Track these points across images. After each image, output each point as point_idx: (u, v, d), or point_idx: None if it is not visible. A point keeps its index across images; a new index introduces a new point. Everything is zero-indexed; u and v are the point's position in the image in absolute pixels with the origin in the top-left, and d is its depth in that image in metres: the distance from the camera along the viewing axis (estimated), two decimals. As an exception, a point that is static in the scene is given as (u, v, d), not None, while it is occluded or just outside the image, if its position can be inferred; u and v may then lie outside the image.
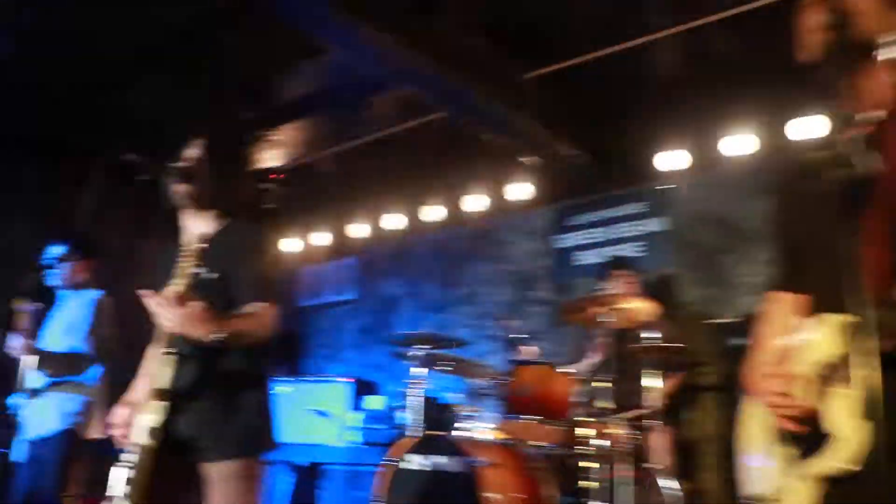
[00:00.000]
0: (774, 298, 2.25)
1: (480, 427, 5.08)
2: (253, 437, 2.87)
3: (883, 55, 1.58)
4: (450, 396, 5.75)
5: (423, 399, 5.15)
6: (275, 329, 2.81)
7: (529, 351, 5.38)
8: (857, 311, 1.60)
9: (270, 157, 8.24)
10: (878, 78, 1.91)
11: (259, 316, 2.79)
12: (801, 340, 2.01)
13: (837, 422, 1.78)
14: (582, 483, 4.71)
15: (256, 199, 7.62)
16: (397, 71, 5.83)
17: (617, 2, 5.70)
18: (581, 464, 4.81)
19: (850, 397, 1.77)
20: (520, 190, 7.72)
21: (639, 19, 5.91)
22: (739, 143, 6.36)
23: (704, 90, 6.18)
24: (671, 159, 6.84)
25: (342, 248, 9.33)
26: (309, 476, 7.15)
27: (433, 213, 8.41)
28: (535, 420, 4.98)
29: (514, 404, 5.00)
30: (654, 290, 6.32)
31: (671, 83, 6.51)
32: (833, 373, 1.83)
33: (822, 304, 2.00)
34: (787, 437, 1.95)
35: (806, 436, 1.83)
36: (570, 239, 7.74)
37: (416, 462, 4.67)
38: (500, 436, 4.98)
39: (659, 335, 4.96)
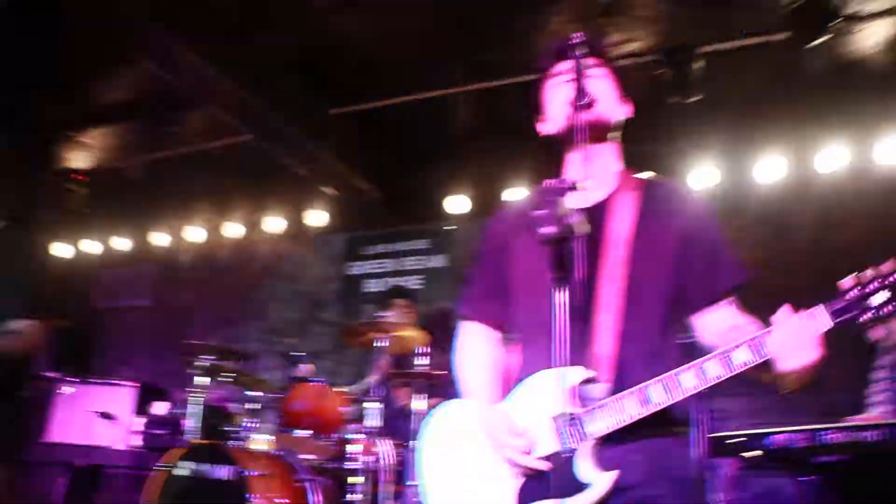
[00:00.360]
0: (470, 329, 2.36)
1: (255, 438, 5.27)
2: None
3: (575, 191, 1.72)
4: (231, 406, 5.90)
5: (203, 407, 5.26)
6: (40, 345, 2.82)
7: (308, 368, 5.62)
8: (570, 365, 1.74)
9: (78, 158, 8.12)
10: (606, 159, 2.20)
11: (22, 333, 2.75)
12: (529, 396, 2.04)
13: (589, 471, 1.86)
14: (348, 497, 4.95)
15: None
16: (206, 90, 5.92)
17: (424, 55, 6.09)
18: (349, 478, 5.05)
19: (592, 446, 1.87)
20: (316, 217, 8.10)
21: (442, 74, 6.38)
22: (517, 194, 6.99)
23: (492, 144, 6.79)
24: (456, 203, 7.48)
25: (142, 254, 9.29)
26: (87, 478, 7.05)
27: (234, 229, 8.64)
28: (307, 434, 5.18)
29: (289, 418, 5.18)
30: (432, 321, 6.88)
31: (464, 135, 7.13)
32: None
33: (534, 356, 2.09)
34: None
35: (560, 481, 1.82)
36: (360, 267, 8.20)
37: (187, 468, 4.72)
38: (273, 447, 5.17)
39: (427, 363, 5.33)
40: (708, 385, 1.81)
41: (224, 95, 5.94)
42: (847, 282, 1.74)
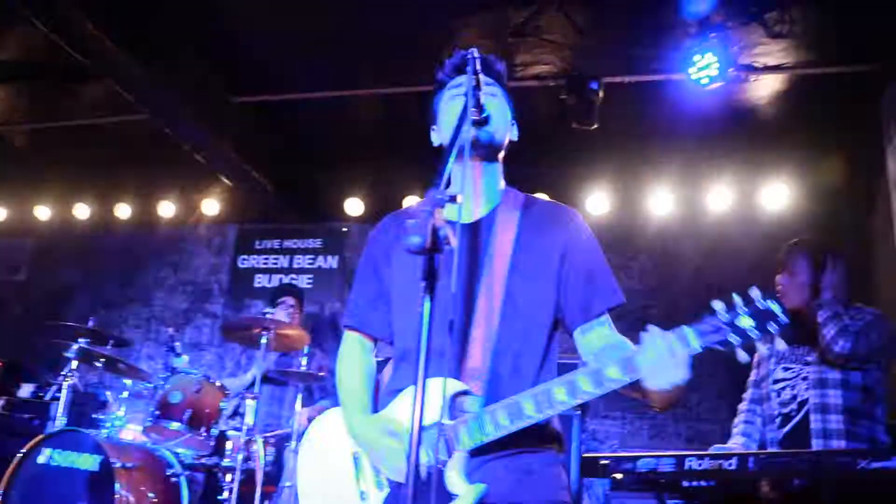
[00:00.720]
0: (350, 338, 2.35)
1: (127, 428, 5.15)
2: None
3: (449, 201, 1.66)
4: (106, 394, 5.71)
5: (72, 393, 5.07)
6: None
7: (186, 360, 5.49)
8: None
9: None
10: (492, 175, 2.22)
11: None
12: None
13: (458, 483, 1.87)
14: (223, 493, 4.87)
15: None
16: (103, 62, 5.61)
17: (333, 54, 6.02)
18: (223, 475, 5.01)
19: (462, 459, 1.90)
20: (210, 205, 7.92)
21: (350, 75, 6.33)
22: (413, 201, 7.00)
23: (393, 150, 6.80)
24: (352, 205, 7.48)
25: (22, 226, 8.85)
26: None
27: (123, 210, 8.34)
28: (182, 427, 4.99)
29: (164, 409, 5.01)
30: (320, 324, 6.87)
31: (365, 138, 7.13)
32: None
33: (406, 366, 2.11)
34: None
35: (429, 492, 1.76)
36: (250, 260, 8.07)
37: (49, 457, 4.55)
38: (145, 439, 5.04)
39: (306, 364, 5.32)
40: (578, 401, 1.84)
41: (121, 70, 5.69)
42: (716, 305, 1.78)
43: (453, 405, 1.93)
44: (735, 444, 3.93)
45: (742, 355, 1.76)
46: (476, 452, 1.91)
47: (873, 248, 6.19)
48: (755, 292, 1.76)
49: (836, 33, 5.44)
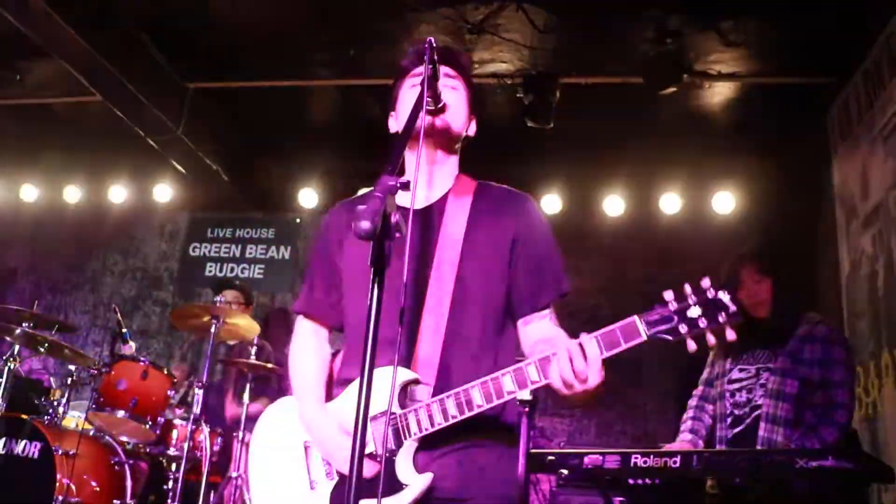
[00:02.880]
0: (303, 326, 2.33)
1: (70, 415, 5.06)
2: None
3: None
4: (47, 379, 5.61)
5: (14, 378, 4.94)
6: None
7: (134, 347, 5.40)
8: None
9: None
10: (446, 165, 2.22)
11: None
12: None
13: (406, 472, 1.88)
14: (168, 483, 4.87)
15: None
16: (56, 42, 5.54)
17: (290, 44, 5.99)
18: (167, 463, 4.99)
19: (411, 450, 1.90)
20: (162, 191, 7.81)
21: (306, 66, 6.31)
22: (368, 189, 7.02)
23: (348, 142, 6.79)
24: (306, 196, 7.44)
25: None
26: None
27: (73, 193, 8.16)
28: (127, 415, 4.88)
29: (109, 397, 4.91)
30: (271, 315, 6.83)
31: (321, 129, 7.11)
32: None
33: (356, 355, 2.04)
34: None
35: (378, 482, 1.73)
36: (202, 249, 7.99)
37: None
38: (89, 426, 4.95)
39: (254, 354, 5.26)
40: (527, 388, 1.84)
41: (74, 51, 5.58)
42: (666, 295, 1.78)
43: (403, 394, 1.92)
44: (682, 440, 4.00)
45: (691, 345, 1.76)
46: (427, 444, 1.91)
47: (817, 255, 6.35)
48: (706, 282, 1.77)
49: (789, 46, 5.57)
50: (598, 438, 6.68)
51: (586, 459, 3.41)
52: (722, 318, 1.74)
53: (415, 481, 1.86)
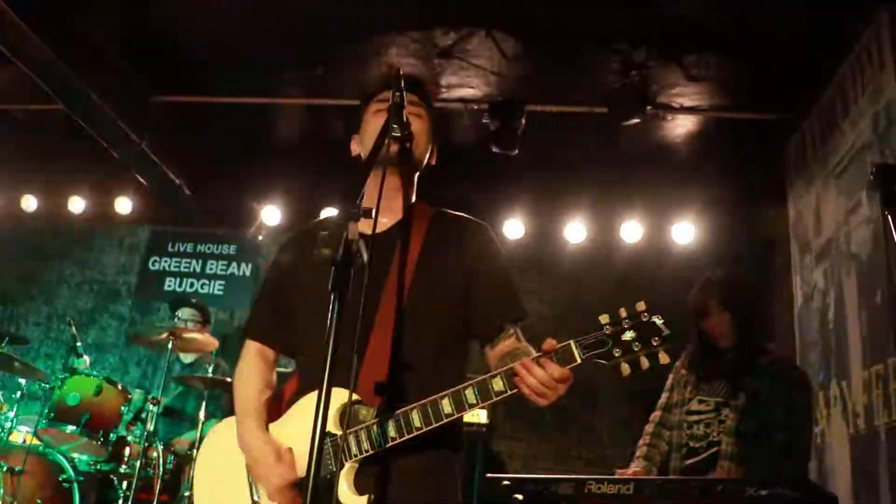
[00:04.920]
0: (250, 348, 2.32)
1: (17, 430, 4.97)
2: None
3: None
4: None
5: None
6: None
7: (88, 361, 5.33)
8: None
9: None
10: (406, 191, 2.23)
11: None
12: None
13: (345, 494, 1.87)
14: (118, 502, 4.77)
15: None
16: (18, 45, 5.37)
17: (258, 61, 5.99)
18: (118, 481, 4.90)
19: (352, 471, 1.92)
20: (122, 203, 7.71)
21: (273, 83, 6.33)
22: (331, 213, 6.99)
23: (313, 161, 6.78)
24: (269, 213, 7.41)
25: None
26: None
27: (29, 202, 8.02)
28: (78, 431, 4.81)
29: (60, 412, 4.83)
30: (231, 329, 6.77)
31: (285, 147, 7.10)
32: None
33: (307, 377, 2.14)
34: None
35: None
36: (161, 263, 7.91)
37: None
38: (37, 442, 4.86)
39: (212, 370, 5.23)
40: (467, 413, 1.86)
41: (38, 58, 5.52)
42: (601, 318, 1.80)
43: (345, 416, 1.92)
44: (636, 467, 4.01)
45: (625, 369, 1.78)
46: (371, 463, 1.92)
47: (772, 287, 6.47)
48: (641, 306, 1.79)
49: (749, 82, 5.71)
50: (554, 464, 6.70)
51: (541, 485, 3.43)
52: (656, 342, 1.76)
53: (355, 503, 1.86)
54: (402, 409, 1.88)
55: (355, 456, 1.90)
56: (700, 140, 6.47)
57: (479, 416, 5.60)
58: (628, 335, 1.76)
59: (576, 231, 7.12)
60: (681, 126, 6.35)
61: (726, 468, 3.62)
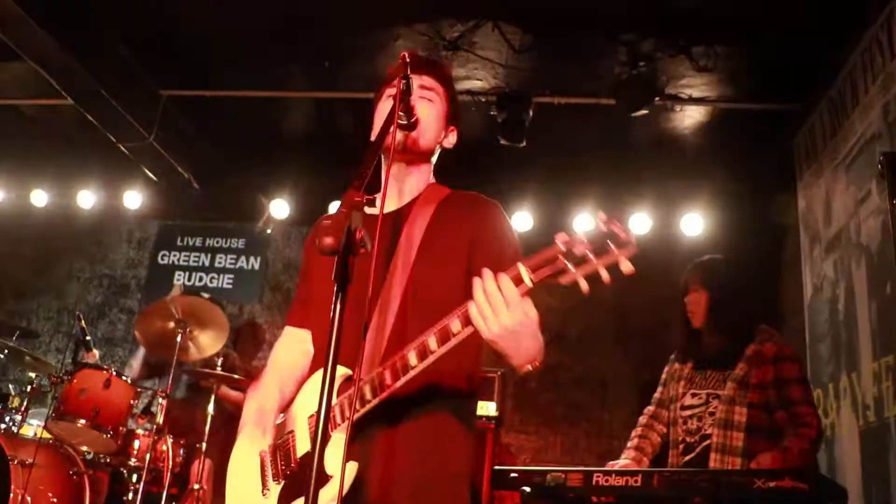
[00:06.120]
0: (286, 332, 2.36)
1: (28, 423, 4.98)
2: None
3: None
4: (9, 387, 5.52)
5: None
6: None
7: (97, 355, 5.34)
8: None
9: None
10: (418, 178, 2.23)
11: None
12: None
13: (332, 464, 1.82)
14: (128, 494, 4.76)
15: None
16: (26, 40, 5.46)
17: (266, 54, 6.00)
18: (128, 474, 4.89)
19: (340, 441, 1.85)
20: (132, 198, 7.73)
21: (281, 77, 6.34)
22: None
23: (322, 154, 6.76)
24: (277, 207, 7.42)
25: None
26: None
27: (39, 197, 8.05)
28: (88, 425, 4.74)
29: (70, 405, 4.78)
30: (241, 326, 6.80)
31: (294, 140, 7.12)
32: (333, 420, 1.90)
33: (318, 359, 2.16)
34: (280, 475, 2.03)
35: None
36: (171, 257, 7.93)
37: None
38: (48, 435, 4.82)
39: (220, 364, 5.19)
40: (430, 360, 1.79)
41: (48, 54, 5.55)
42: (558, 237, 1.65)
43: (341, 391, 1.92)
44: (627, 459, 4.01)
45: (583, 285, 1.63)
46: (366, 429, 1.90)
47: (782, 278, 6.45)
48: (601, 215, 1.62)
49: (758, 72, 5.69)
50: (563, 456, 6.70)
51: (549, 477, 3.43)
52: (611, 248, 1.60)
53: (339, 472, 1.79)
54: (376, 371, 1.86)
55: (339, 427, 1.89)
56: (709, 131, 6.45)
57: (487, 408, 5.60)
58: (581, 248, 1.61)
59: (584, 223, 7.09)
60: (689, 117, 6.32)
61: (718, 460, 3.62)
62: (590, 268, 1.61)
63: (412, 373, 1.82)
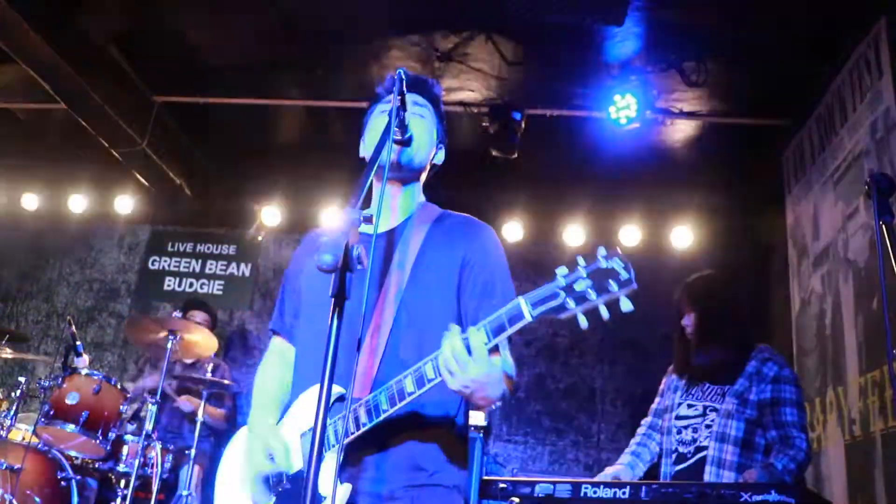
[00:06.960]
0: (272, 343, 2.38)
1: (17, 427, 4.96)
2: None
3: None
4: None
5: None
6: None
7: (87, 359, 5.33)
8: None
9: None
10: (410, 194, 2.23)
11: None
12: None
13: (325, 484, 1.81)
14: (116, 500, 4.76)
15: None
16: (19, 44, 5.45)
17: (260, 62, 6.03)
18: (116, 480, 4.89)
19: (333, 461, 1.87)
20: (123, 203, 7.73)
21: (275, 85, 6.36)
22: (331, 214, 7.08)
23: (314, 162, 6.81)
24: (269, 214, 7.44)
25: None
26: None
27: (30, 200, 8.04)
28: (77, 430, 4.77)
29: (59, 410, 4.81)
30: (230, 329, 6.78)
31: (288, 148, 7.13)
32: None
33: (303, 375, 2.14)
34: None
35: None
36: (161, 262, 7.92)
37: None
38: (36, 440, 4.82)
39: (210, 370, 5.25)
40: (407, 401, 1.82)
41: (41, 58, 5.54)
42: (559, 270, 1.67)
43: (331, 410, 1.92)
44: (622, 462, 4.03)
45: (582, 321, 1.66)
46: (358, 450, 1.91)
47: (770, 292, 6.49)
48: (601, 251, 1.65)
49: (747, 87, 5.75)
50: (551, 466, 6.72)
51: (537, 488, 3.44)
52: (612, 287, 1.63)
53: (331, 493, 1.82)
54: (372, 394, 1.88)
55: (333, 446, 1.90)
56: (699, 145, 6.50)
57: (476, 417, 5.61)
58: (582, 283, 1.63)
59: (574, 235, 7.13)
60: (680, 131, 6.37)
61: (713, 473, 3.64)
62: (590, 305, 1.65)
63: (409, 398, 1.83)
